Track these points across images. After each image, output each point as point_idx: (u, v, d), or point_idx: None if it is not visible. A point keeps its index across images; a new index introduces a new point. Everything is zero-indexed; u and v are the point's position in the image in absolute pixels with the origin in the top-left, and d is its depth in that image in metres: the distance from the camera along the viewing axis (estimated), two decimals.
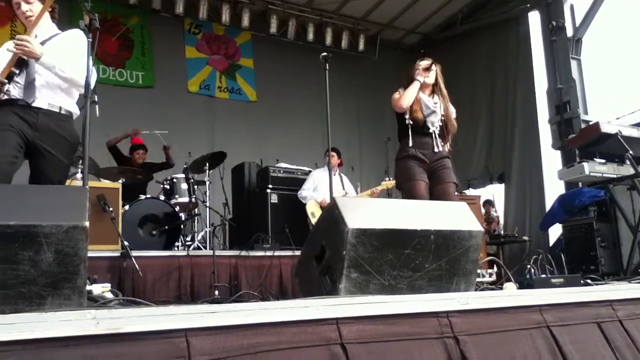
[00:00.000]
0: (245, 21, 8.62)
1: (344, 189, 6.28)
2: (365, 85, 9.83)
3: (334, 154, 5.79)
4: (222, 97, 8.82)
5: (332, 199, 2.41)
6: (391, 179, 5.86)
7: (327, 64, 4.34)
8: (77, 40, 3.06)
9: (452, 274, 2.35)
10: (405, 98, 3.83)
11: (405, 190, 3.82)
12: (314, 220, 5.82)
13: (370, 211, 2.32)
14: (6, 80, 2.84)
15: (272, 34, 8.88)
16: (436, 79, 3.99)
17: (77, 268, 1.76)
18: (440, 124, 3.89)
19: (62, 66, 2.93)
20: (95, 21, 2.97)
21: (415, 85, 3.86)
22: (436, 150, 3.82)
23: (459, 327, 1.98)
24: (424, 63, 3.94)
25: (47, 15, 3.13)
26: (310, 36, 9.09)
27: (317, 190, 6.13)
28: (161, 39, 8.46)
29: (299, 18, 9.08)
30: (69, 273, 1.75)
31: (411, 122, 3.83)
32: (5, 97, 2.85)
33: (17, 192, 1.94)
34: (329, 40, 9.19)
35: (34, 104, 2.90)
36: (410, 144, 3.81)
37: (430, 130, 3.85)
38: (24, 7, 3.00)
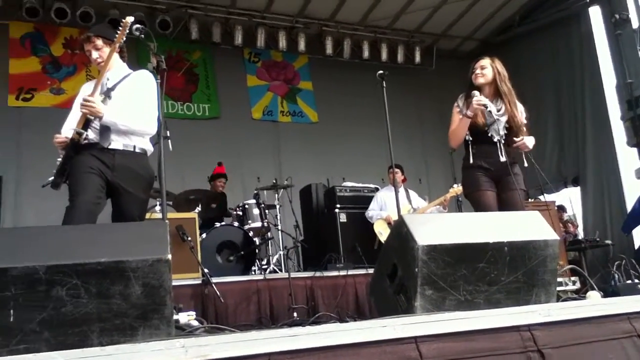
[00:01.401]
0: (302, 45, 8.82)
1: (410, 203, 6.24)
2: (425, 97, 9.76)
3: (397, 170, 5.78)
4: (285, 121, 9.03)
5: (400, 216, 2.42)
6: (459, 185, 5.77)
7: (384, 82, 4.37)
8: (144, 85, 3.25)
9: (531, 285, 2.30)
10: (455, 138, 3.75)
11: (473, 200, 3.74)
12: (382, 239, 5.82)
13: (439, 227, 2.31)
14: (83, 130, 3.05)
15: (329, 55, 9.02)
16: (495, 76, 3.76)
17: (164, 299, 1.86)
18: (506, 130, 3.72)
19: (123, 122, 3.10)
20: (162, 62, 3.15)
21: (463, 123, 3.70)
22: (502, 159, 3.67)
23: (543, 340, 1.93)
24: (476, 66, 3.83)
25: (117, 57, 3.34)
26: (366, 53, 9.16)
27: (383, 209, 6.14)
28: (223, 70, 8.80)
29: (353, 37, 9.18)
30: (157, 304, 1.86)
31: (471, 138, 3.74)
32: (85, 141, 3.08)
33: (104, 230, 2.09)
34: (384, 55, 9.23)
35: (110, 146, 3.09)
36: (474, 154, 3.71)
37: (495, 140, 3.69)
38: (94, 55, 3.23)
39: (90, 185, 2.94)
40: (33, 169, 6.85)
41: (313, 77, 9.42)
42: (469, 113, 3.67)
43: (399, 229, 2.29)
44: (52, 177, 3.10)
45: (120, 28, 3.06)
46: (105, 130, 3.08)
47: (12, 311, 1.76)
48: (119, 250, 1.84)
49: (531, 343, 1.91)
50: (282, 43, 8.72)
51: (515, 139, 3.71)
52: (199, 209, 5.65)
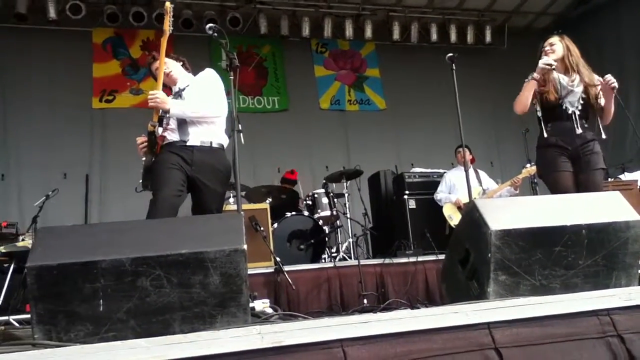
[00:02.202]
0: (368, 32, 8.76)
1: (481, 185, 6.07)
2: (497, 78, 9.44)
3: (466, 150, 5.64)
4: (352, 110, 9.04)
5: (471, 201, 2.39)
6: (532, 164, 5.57)
7: (453, 65, 4.28)
8: (208, 79, 3.39)
9: (610, 269, 2.20)
10: (519, 102, 3.60)
11: (548, 182, 3.59)
12: (452, 223, 5.73)
13: (512, 210, 2.26)
14: (157, 124, 3.21)
15: (396, 41, 8.92)
16: (565, 53, 3.63)
17: (240, 287, 1.94)
18: (582, 102, 3.55)
19: (191, 108, 3.23)
20: (234, 59, 3.27)
21: (529, 86, 3.58)
22: (578, 132, 3.50)
23: (623, 325, 1.85)
24: (546, 44, 3.68)
25: (181, 69, 3.52)
26: (434, 36, 8.97)
27: (452, 191, 6.02)
28: (292, 62, 8.92)
29: (420, 20, 9.02)
30: (234, 292, 1.94)
31: (542, 110, 3.60)
32: (165, 141, 3.24)
33: (184, 223, 2.20)
34: (453, 37, 9.00)
35: (188, 143, 3.24)
36: (549, 132, 3.57)
37: (570, 112, 3.53)
38: (154, 65, 3.44)
39: (171, 180, 3.10)
40: (116, 167, 7.30)
41: (380, 64, 9.35)
42: (536, 75, 3.57)
43: (471, 214, 2.26)
44: (141, 180, 3.28)
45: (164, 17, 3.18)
46: (181, 127, 3.23)
47: (101, 301, 1.88)
48: (198, 242, 1.93)
49: (610, 328, 1.84)
50: (349, 31, 8.70)
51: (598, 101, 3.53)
52: (270, 199, 5.79)
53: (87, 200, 7.10)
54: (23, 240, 5.21)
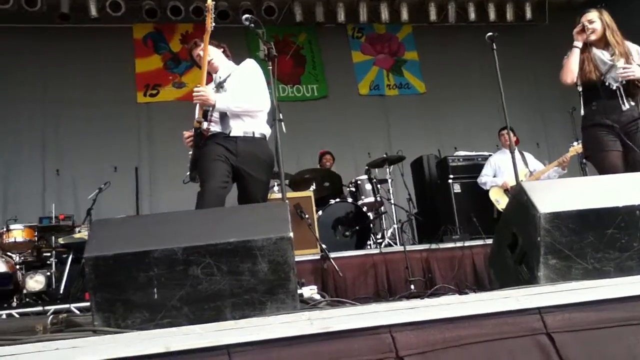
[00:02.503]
0: (405, 15, 8.64)
1: (527, 167, 5.92)
2: (540, 55, 9.15)
3: (505, 132, 5.53)
4: (392, 94, 8.96)
5: (518, 184, 2.34)
6: (579, 142, 5.39)
7: (493, 44, 4.19)
8: (250, 71, 3.42)
9: None
10: (567, 71, 3.48)
11: (596, 162, 3.47)
12: (499, 207, 5.63)
13: (562, 192, 2.20)
14: (203, 119, 3.28)
15: (433, 22, 8.78)
16: (606, 28, 3.49)
17: (288, 274, 1.97)
18: (624, 81, 3.41)
19: (236, 103, 3.27)
20: (272, 49, 3.29)
21: (574, 54, 3.47)
22: (624, 108, 3.37)
23: None
24: (583, 20, 3.55)
25: (222, 56, 3.54)
26: (472, 15, 8.77)
27: (497, 174, 5.90)
28: (328, 49, 8.90)
29: (457, 0, 8.83)
30: (282, 280, 1.97)
31: (585, 90, 3.48)
32: (210, 133, 3.31)
33: (232, 213, 2.25)
34: (492, 15, 8.79)
35: (231, 134, 3.29)
36: (593, 111, 3.45)
37: (614, 88, 3.40)
38: (195, 52, 3.49)
39: (217, 172, 3.17)
40: (163, 159, 7.51)
41: (418, 47, 9.22)
42: (577, 43, 3.49)
43: (519, 197, 2.22)
44: (188, 172, 3.37)
45: (205, 14, 3.21)
46: (223, 119, 3.28)
47: (155, 289, 1.94)
48: (246, 231, 1.96)
49: None
50: (385, 15, 8.60)
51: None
52: (313, 187, 5.83)
53: (138, 192, 7.32)
54: (79, 232, 5.43)
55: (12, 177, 7.38)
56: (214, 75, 3.50)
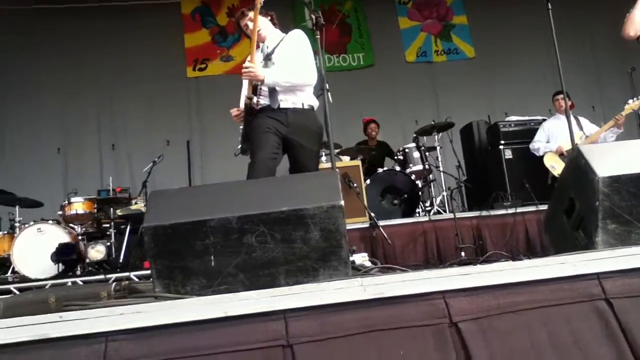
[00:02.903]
0: None
1: (582, 130, 5.70)
2: (597, 15, 8.71)
3: (560, 97, 5.33)
4: (440, 61, 8.76)
5: (575, 148, 2.27)
6: (636, 99, 5.16)
7: (549, 4, 4.01)
8: (298, 42, 3.39)
9: None
10: (630, 24, 3.31)
11: None
12: (554, 173, 5.46)
13: (622, 155, 2.12)
14: (253, 95, 3.30)
15: None
16: None
17: (340, 242, 1.99)
18: None
19: (284, 78, 3.27)
20: (320, 19, 3.26)
21: (638, 6, 3.31)
22: None
23: None
24: None
25: (270, 26, 3.53)
26: None
27: (550, 140, 5.71)
28: (375, 16, 8.74)
29: None
30: (334, 247, 2.00)
31: None
32: (259, 106, 3.34)
33: (284, 182, 2.28)
34: None
35: (281, 107, 3.31)
36: None
37: None
38: (249, 25, 3.44)
39: (267, 143, 3.21)
40: (213, 132, 7.67)
41: (467, 10, 8.93)
42: None
43: (576, 160, 2.15)
44: (240, 145, 3.42)
45: None
46: (272, 92, 3.30)
47: (212, 257, 2.00)
48: (297, 200, 1.99)
49: None
50: None
51: None
52: (362, 156, 5.82)
53: (190, 164, 7.51)
54: (136, 203, 5.63)
55: (71, 152, 7.72)
56: (261, 45, 3.50)
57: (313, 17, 3.29)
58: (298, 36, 3.43)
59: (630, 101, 5.28)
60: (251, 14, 3.37)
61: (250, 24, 3.41)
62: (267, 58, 3.43)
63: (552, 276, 1.71)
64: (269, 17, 3.55)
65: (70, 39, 7.94)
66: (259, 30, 3.40)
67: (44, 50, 7.86)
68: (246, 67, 3.24)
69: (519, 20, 8.52)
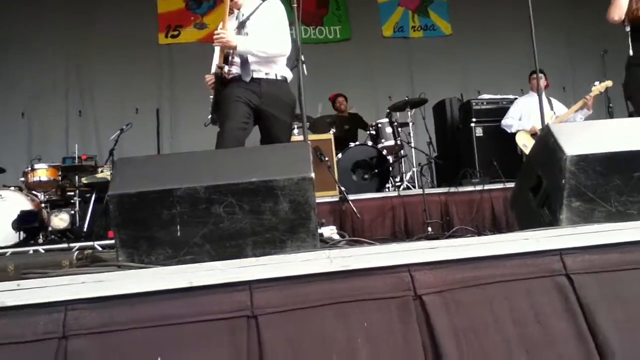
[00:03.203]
0: None
1: (552, 110, 5.78)
2: None
3: (541, 76, 5.38)
4: (416, 37, 8.74)
5: (546, 126, 2.29)
6: (602, 81, 5.27)
7: None
8: (274, 11, 3.31)
9: None
10: (615, 7, 3.33)
11: (637, 104, 3.39)
12: (526, 151, 5.54)
13: (590, 135, 2.15)
14: (224, 65, 3.23)
15: None
16: None
17: (309, 214, 1.98)
18: None
19: (257, 47, 3.20)
20: None
21: None
22: None
23: None
24: None
25: None
26: None
27: (523, 118, 5.79)
28: None
29: None
30: (303, 219, 1.99)
31: (633, 30, 3.34)
32: (231, 76, 3.27)
33: (253, 153, 2.25)
34: None
35: (254, 76, 3.25)
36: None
37: None
38: None
39: (236, 113, 3.16)
40: (184, 101, 7.54)
41: None
42: None
43: (545, 139, 2.18)
44: (210, 115, 3.36)
45: None
46: (244, 64, 3.23)
47: (178, 227, 1.97)
48: (267, 171, 1.97)
49: None
50: None
51: None
52: (333, 130, 5.79)
53: (159, 133, 7.38)
54: (102, 172, 5.52)
55: (36, 117, 7.49)
56: (236, 12, 3.41)
57: None
58: (275, 5, 3.36)
59: (597, 83, 5.38)
60: None
61: None
62: (242, 26, 3.35)
63: (515, 251, 1.74)
64: None
65: (36, 1, 7.62)
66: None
67: (10, 12, 7.53)
68: (217, 34, 3.16)
69: None
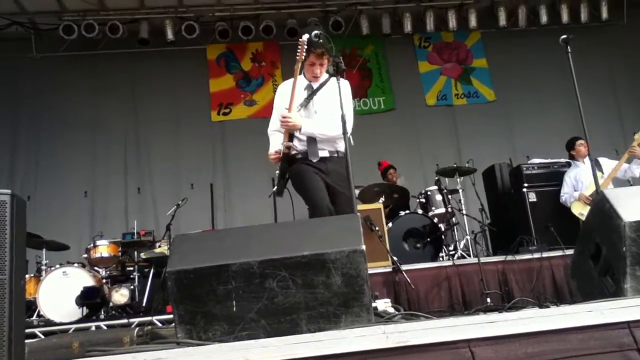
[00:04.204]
0: (473, 21, 8.51)
1: (601, 170, 5.60)
2: (618, 56, 8.74)
3: (582, 141, 5.34)
4: (460, 104, 8.80)
5: (600, 192, 2.24)
6: None
7: (568, 47, 4.03)
8: (342, 91, 3.38)
9: None
10: None
11: None
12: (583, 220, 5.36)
13: None
14: (291, 143, 3.37)
15: (502, 27, 8.57)
16: None
17: (362, 287, 1.98)
18: None
19: (320, 130, 3.36)
20: (341, 63, 3.30)
21: None
22: None
23: None
24: None
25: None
26: (544, 18, 8.52)
27: (577, 188, 5.67)
28: (395, 60, 8.88)
29: (528, 3, 8.60)
30: (356, 292, 1.98)
31: None
32: (294, 151, 3.40)
33: (305, 225, 2.29)
34: (565, 17, 8.48)
35: (320, 155, 3.39)
36: None
37: None
38: (316, 71, 3.43)
39: (320, 186, 3.31)
40: (237, 176, 7.79)
41: (487, 53, 9.03)
42: None
43: (600, 205, 2.13)
44: (275, 187, 3.46)
45: (298, 48, 3.23)
46: (311, 144, 3.35)
47: (234, 302, 2.00)
48: (319, 244, 1.99)
49: None
50: (452, 23, 8.49)
51: None
52: (382, 199, 5.81)
53: (213, 207, 7.58)
54: (159, 247, 5.67)
55: (98, 196, 7.87)
56: (306, 81, 3.51)
57: (334, 62, 3.35)
58: (343, 85, 3.37)
59: (638, 129, 5.28)
60: (325, 60, 3.41)
61: (318, 69, 3.42)
62: (310, 97, 3.46)
63: (581, 325, 1.67)
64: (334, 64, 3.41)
65: (100, 82, 8.24)
66: (316, 76, 3.44)
67: (75, 94, 8.15)
68: (284, 118, 3.31)
69: (538, 61, 8.58)
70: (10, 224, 2.67)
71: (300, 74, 3.40)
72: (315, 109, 3.44)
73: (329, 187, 3.37)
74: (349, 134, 3.30)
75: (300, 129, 3.33)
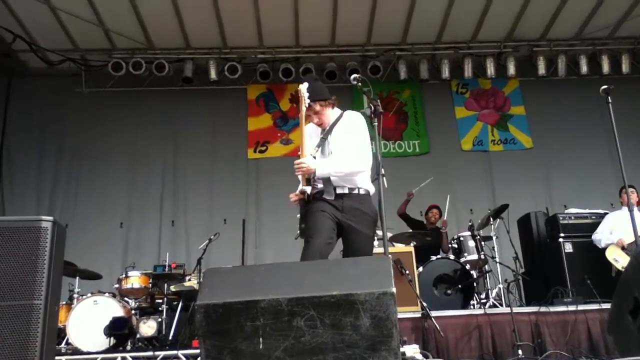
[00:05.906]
0: (511, 69, 8.53)
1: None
2: None
3: (633, 190, 5.17)
4: (496, 150, 8.73)
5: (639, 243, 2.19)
6: None
7: (609, 97, 4.01)
8: (355, 127, 3.44)
9: None
10: None
11: None
12: (618, 266, 5.21)
13: None
14: (308, 187, 3.37)
15: (541, 76, 8.54)
16: None
17: (391, 331, 1.95)
18: None
19: (335, 169, 3.33)
20: (378, 107, 3.35)
21: None
22: None
23: None
24: None
25: (329, 110, 3.56)
26: (584, 69, 8.47)
27: (613, 232, 5.49)
28: (432, 105, 8.93)
29: (568, 53, 8.59)
30: (384, 336, 1.95)
31: None
32: (315, 190, 3.40)
33: (335, 265, 2.29)
34: (606, 68, 8.42)
35: (337, 192, 3.37)
36: None
37: None
38: (315, 120, 3.51)
39: (323, 228, 3.24)
40: (269, 212, 7.87)
41: (525, 101, 8.99)
42: None
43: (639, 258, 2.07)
44: (299, 230, 3.46)
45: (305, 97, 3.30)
46: (327, 184, 3.36)
47: (261, 339, 2.00)
48: (348, 284, 1.99)
49: None
50: (490, 70, 8.53)
51: None
52: (414, 242, 5.75)
53: (244, 242, 7.63)
54: (189, 280, 5.71)
55: (133, 227, 8.03)
56: (304, 132, 3.52)
57: (372, 105, 3.39)
58: (355, 120, 3.48)
59: None
60: (316, 107, 3.46)
61: (315, 118, 3.49)
62: (324, 139, 3.51)
63: None
64: (331, 106, 3.57)
65: (142, 118, 8.54)
66: (320, 123, 3.51)
67: (117, 127, 8.45)
68: (297, 164, 3.34)
69: (577, 111, 8.52)
70: (50, 250, 2.77)
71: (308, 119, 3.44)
72: (331, 149, 3.45)
73: (341, 226, 3.31)
74: (382, 173, 3.32)
75: (314, 172, 3.31)
